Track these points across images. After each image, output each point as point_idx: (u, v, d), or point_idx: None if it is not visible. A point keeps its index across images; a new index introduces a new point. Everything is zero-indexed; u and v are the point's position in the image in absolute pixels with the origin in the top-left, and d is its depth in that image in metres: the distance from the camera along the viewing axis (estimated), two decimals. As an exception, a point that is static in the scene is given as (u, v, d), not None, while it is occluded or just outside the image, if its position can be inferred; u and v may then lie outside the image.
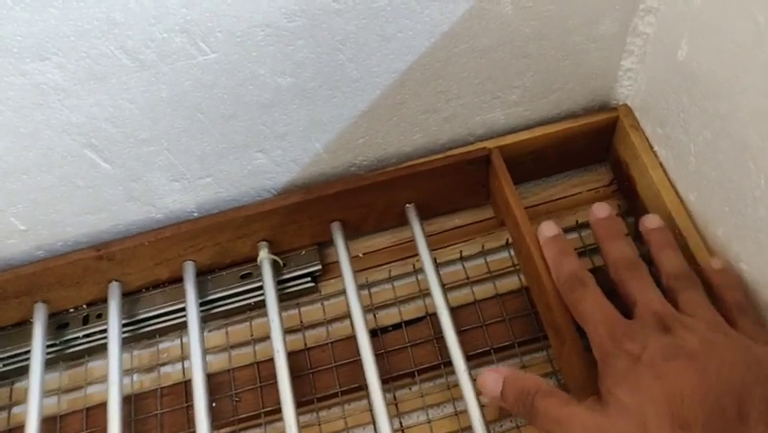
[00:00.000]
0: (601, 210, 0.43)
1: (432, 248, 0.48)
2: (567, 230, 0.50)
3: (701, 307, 0.36)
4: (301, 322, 0.49)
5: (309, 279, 0.50)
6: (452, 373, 0.45)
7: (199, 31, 0.36)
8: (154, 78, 0.38)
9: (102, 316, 0.49)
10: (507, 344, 0.46)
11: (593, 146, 0.52)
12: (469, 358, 0.45)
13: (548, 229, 0.42)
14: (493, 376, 0.37)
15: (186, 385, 0.47)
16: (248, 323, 0.50)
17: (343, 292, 0.48)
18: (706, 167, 0.41)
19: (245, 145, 0.44)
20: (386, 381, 0.45)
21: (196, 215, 0.49)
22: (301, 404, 0.45)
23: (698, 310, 0.35)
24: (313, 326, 0.49)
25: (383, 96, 0.43)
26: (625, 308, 0.38)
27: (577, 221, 0.50)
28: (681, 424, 0.30)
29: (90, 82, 0.36)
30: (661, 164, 0.46)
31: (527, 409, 0.36)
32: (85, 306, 0.51)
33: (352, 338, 0.47)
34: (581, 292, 0.38)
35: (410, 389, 0.46)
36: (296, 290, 0.50)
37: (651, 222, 0.43)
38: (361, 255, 0.52)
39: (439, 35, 0.40)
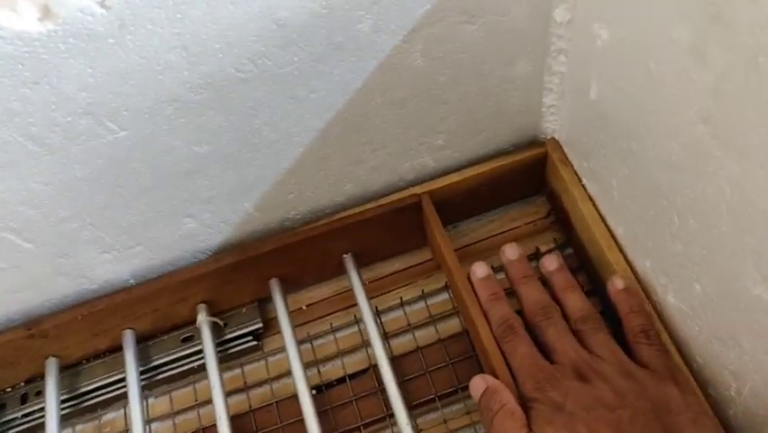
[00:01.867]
0: (511, 252, 0.45)
1: (372, 295, 0.48)
2: (502, 268, 0.50)
3: (608, 348, 0.39)
4: (245, 382, 0.48)
5: (251, 337, 0.50)
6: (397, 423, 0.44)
7: (104, 111, 0.35)
8: (65, 160, 0.37)
9: (41, 393, 0.48)
10: (451, 390, 0.46)
11: (527, 180, 0.52)
12: (413, 408, 0.45)
13: (480, 270, 0.44)
14: (479, 384, 0.40)
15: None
16: (191, 387, 0.49)
17: (285, 349, 0.48)
18: (627, 201, 0.42)
19: (172, 213, 0.44)
20: (332, 438, 0.44)
21: (132, 282, 0.49)
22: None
23: (606, 352, 0.39)
24: (258, 384, 0.49)
25: (306, 152, 0.43)
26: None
27: (514, 258, 0.50)
28: None
29: (-2, 170, 0.36)
30: (590, 197, 0.47)
31: (486, 425, 0.38)
32: (23, 384, 0.50)
33: (296, 396, 0.46)
34: (511, 342, 0.40)
35: (359, 443, 0.46)
36: (238, 350, 0.50)
37: (550, 263, 0.46)
38: (304, 308, 0.51)
39: (353, 92, 0.40)
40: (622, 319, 0.42)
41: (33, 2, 0.29)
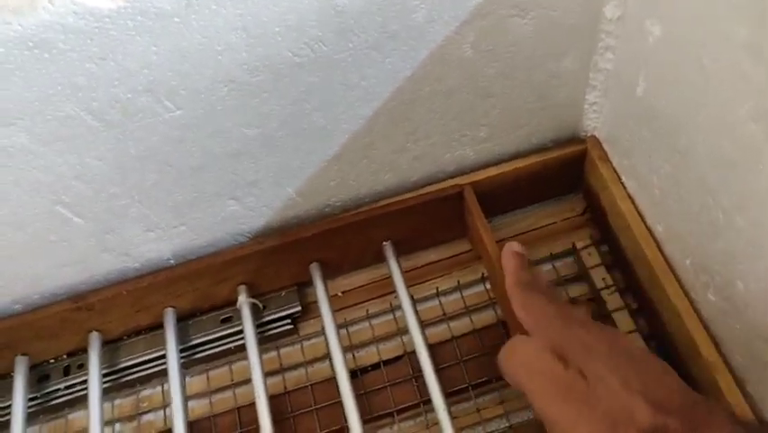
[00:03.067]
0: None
1: (409, 284, 0.49)
2: (540, 261, 0.51)
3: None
4: (281, 364, 0.49)
5: (289, 321, 0.50)
6: (431, 411, 0.45)
7: (163, 90, 0.36)
8: (121, 136, 0.38)
9: (83, 366, 0.49)
10: (484, 380, 0.46)
11: (565, 177, 0.52)
12: (448, 396, 0.45)
13: (516, 246, 0.43)
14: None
15: (167, 433, 0.48)
16: (228, 367, 0.50)
17: (322, 333, 0.49)
18: (669, 199, 0.42)
19: (217, 194, 0.45)
20: (366, 421, 0.45)
21: (172, 262, 0.50)
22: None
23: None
24: (293, 367, 0.49)
25: (352, 140, 0.44)
26: None
27: (551, 252, 0.51)
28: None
29: (57, 143, 0.37)
30: (629, 195, 0.47)
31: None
32: (65, 356, 0.51)
33: (331, 380, 0.47)
34: (530, 295, 0.39)
35: (390, 428, 0.47)
36: (276, 333, 0.50)
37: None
38: (339, 294, 0.52)
39: (402, 80, 0.41)
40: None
41: (108, -22, 0.30)
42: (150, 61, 0.34)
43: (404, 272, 0.49)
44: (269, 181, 0.45)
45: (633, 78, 0.41)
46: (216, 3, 0.33)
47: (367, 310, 0.50)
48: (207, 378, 0.50)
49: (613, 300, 0.48)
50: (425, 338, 0.45)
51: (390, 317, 0.50)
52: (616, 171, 0.48)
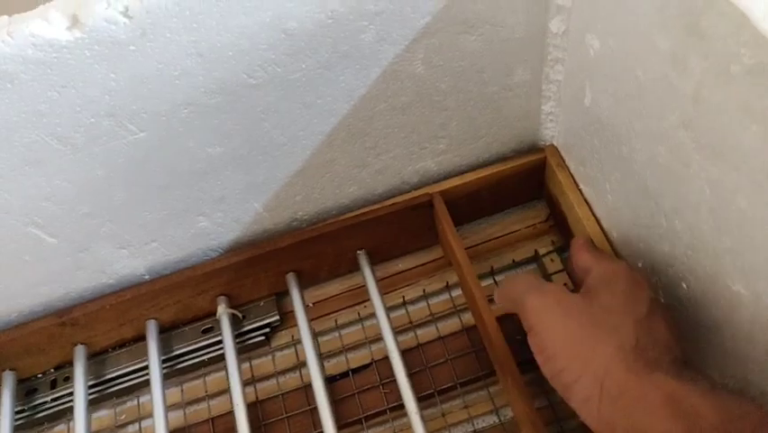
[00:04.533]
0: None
1: (382, 292, 0.50)
2: (504, 269, 0.52)
3: None
4: (252, 375, 0.51)
5: (267, 329, 0.52)
6: (399, 417, 0.46)
7: (125, 114, 0.38)
8: (88, 159, 0.40)
9: (69, 378, 0.51)
10: (449, 385, 0.47)
11: (527, 185, 0.54)
12: (418, 400, 0.46)
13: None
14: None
15: (143, 445, 0.49)
16: (203, 379, 0.51)
17: (293, 343, 0.50)
18: (621, 204, 0.43)
19: (185, 211, 0.46)
20: (337, 428, 0.46)
21: (147, 277, 0.51)
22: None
23: None
24: (265, 378, 0.51)
25: (313, 155, 0.46)
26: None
27: (513, 260, 0.52)
28: None
29: (25, 167, 0.38)
30: (586, 201, 0.49)
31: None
32: (53, 370, 0.52)
33: (301, 389, 0.48)
34: None
35: (361, 435, 0.48)
36: (251, 343, 0.52)
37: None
38: (311, 305, 0.53)
39: (358, 98, 0.43)
40: None
41: (63, 12, 0.32)
42: (110, 87, 0.36)
43: (377, 281, 0.50)
44: (235, 197, 0.47)
45: (580, 89, 0.43)
46: (170, 31, 0.34)
47: (336, 321, 0.52)
48: (182, 390, 0.51)
49: (574, 304, 0.49)
50: (398, 345, 0.47)
51: (359, 326, 0.51)
52: (573, 178, 0.50)
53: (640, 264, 0.44)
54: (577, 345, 0.34)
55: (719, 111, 0.29)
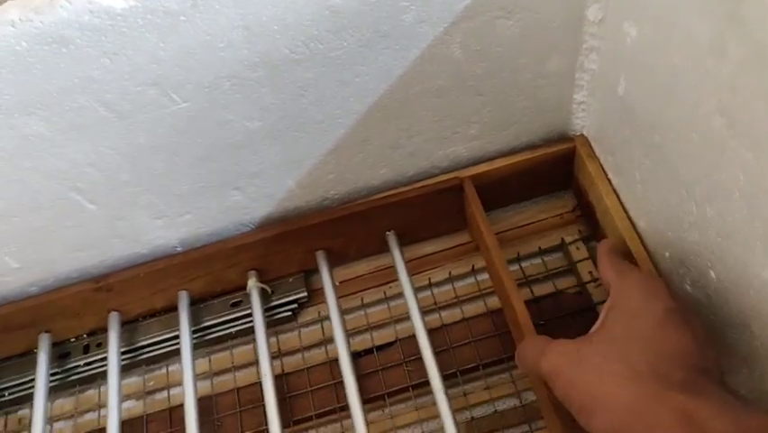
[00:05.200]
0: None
1: (410, 274, 0.51)
2: (530, 256, 0.53)
3: None
4: (279, 349, 0.52)
5: (295, 305, 0.53)
6: (420, 395, 0.47)
7: (170, 83, 0.39)
8: (132, 127, 0.41)
9: (101, 344, 0.52)
10: (472, 366, 0.48)
11: (555, 174, 0.54)
12: (443, 378, 0.47)
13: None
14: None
15: (170, 412, 0.50)
16: (229, 351, 0.52)
17: (320, 320, 0.52)
18: (650, 193, 0.44)
19: (221, 184, 0.48)
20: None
21: (179, 249, 0.52)
22: (282, 426, 0.47)
23: None
24: (291, 352, 0.52)
25: (347, 134, 0.47)
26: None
27: (539, 247, 0.53)
28: None
29: (72, 132, 0.40)
30: (614, 191, 0.49)
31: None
32: (86, 335, 0.54)
33: (326, 364, 0.49)
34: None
35: (382, 411, 0.49)
36: (280, 318, 0.53)
37: None
38: (337, 284, 0.54)
39: (394, 78, 0.43)
40: None
41: (119, -21, 0.33)
42: (158, 57, 0.37)
43: (406, 262, 0.51)
44: (270, 173, 0.48)
45: (614, 78, 0.43)
46: (220, 3, 0.35)
47: (362, 299, 0.53)
48: (210, 361, 0.52)
49: (598, 293, 0.50)
50: (425, 323, 0.47)
51: (385, 306, 0.52)
52: (602, 168, 0.50)
53: (667, 254, 0.44)
54: (592, 388, 0.34)
55: (756, 97, 0.29)
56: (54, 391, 0.53)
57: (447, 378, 0.48)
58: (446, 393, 0.45)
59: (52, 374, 0.52)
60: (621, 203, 0.48)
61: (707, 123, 0.34)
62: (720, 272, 0.38)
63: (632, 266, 0.40)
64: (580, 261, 0.51)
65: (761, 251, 0.33)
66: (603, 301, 0.49)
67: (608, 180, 0.50)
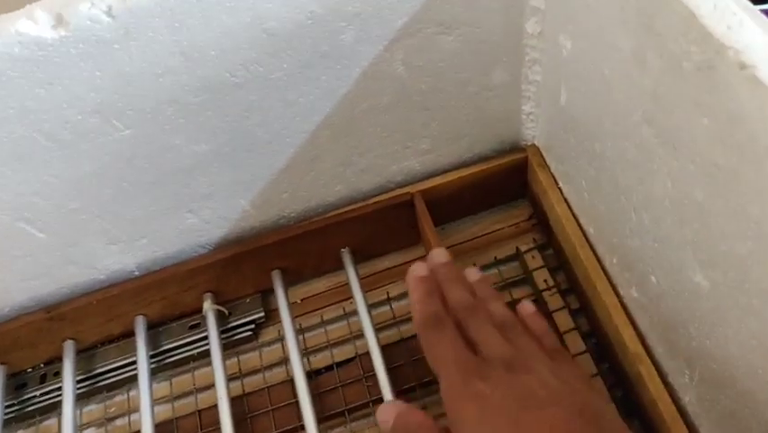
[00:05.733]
0: (440, 256, 0.44)
1: (364, 290, 0.51)
2: (486, 266, 0.53)
3: (534, 348, 0.37)
4: (240, 370, 0.52)
5: (252, 326, 0.53)
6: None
7: (111, 111, 0.39)
8: (75, 155, 0.41)
9: (59, 373, 0.52)
10: (431, 378, 0.48)
11: (510, 184, 0.55)
12: (397, 394, 0.47)
13: (419, 270, 0.42)
14: (388, 409, 0.38)
15: (132, 437, 0.50)
16: (191, 373, 0.52)
17: (280, 339, 0.52)
18: (595, 201, 0.44)
19: (173, 207, 0.48)
20: (319, 420, 0.47)
21: (137, 273, 0.52)
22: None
23: (532, 351, 0.37)
24: (252, 372, 0.52)
25: (297, 153, 0.47)
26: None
27: (495, 257, 0.53)
28: None
29: (14, 163, 0.40)
30: (565, 199, 0.50)
31: None
32: (42, 365, 0.54)
33: (286, 382, 0.50)
34: (437, 333, 0.38)
35: (344, 427, 0.49)
36: (238, 339, 0.53)
37: (470, 275, 0.43)
38: (299, 301, 0.54)
39: (339, 97, 0.44)
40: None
41: (48, 11, 0.33)
42: (95, 85, 0.37)
43: (360, 279, 0.51)
44: (222, 194, 0.48)
45: (556, 89, 0.44)
46: (153, 30, 0.36)
47: (322, 316, 0.53)
48: (171, 384, 0.52)
49: (554, 301, 0.50)
50: (378, 340, 0.48)
51: (344, 322, 0.52)
52: (553, 177, 0.51)
53: (614, 260, 0.45)
54: None
55: (675, 106, 0.30)
56: (14, 422, 0.52)
57: (406, 392, 0.48)
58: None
59: (9, 406, 0.51)
60: (571, 210, 0.49)
61: (637, 132, 0.35)
62: (659, 277, 0.38)
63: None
64: (536, 269, 0.52)
65: (691, 255, 0.33)
66: (560, 308, 0.50)
67: (559, 189, 0.50)
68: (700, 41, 0.26)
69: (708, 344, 0.35)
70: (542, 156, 0.52)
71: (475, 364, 0.35)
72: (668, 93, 0.30)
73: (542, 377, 0.34)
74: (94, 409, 0.52)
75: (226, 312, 0.53)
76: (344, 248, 0.53)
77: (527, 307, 0.41)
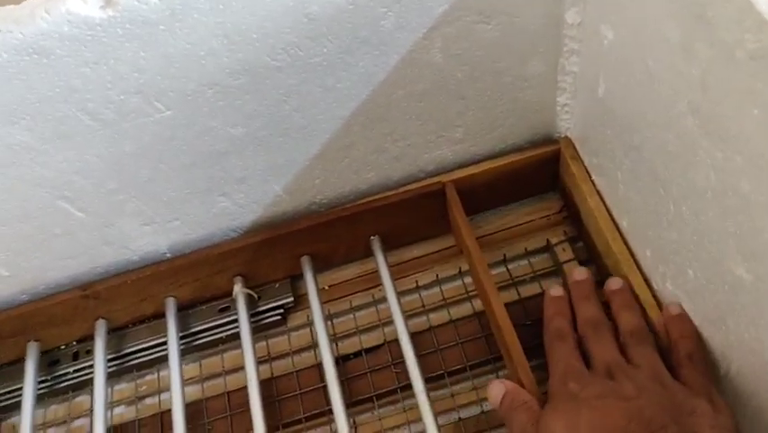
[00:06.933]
0: (579, 274, 0.48)
1: (393, 278, 0.51)
2: (516, 257, 0.53)
3: (648, 359, 0.40)
4: (269, 353, 0.52)
5: (281, 311, 0.53)
6: (409, 397, 0.47)
7: (152, 92, 0.39)
8: (116, 135, 0.41)
9: (90, 351, 0.53)
10: (459, 367, 0.48)
11: (541, 176, 0.55)
12: (425, 381, 0.48)
13: (554, 290, 0.47)
14: (498, 386, 0.42)
15: (162, 416, 0.51)
16: (220, 355, 0.53)
17: (308, 324, 0.52)
18: (631, 193, 0.44)
19: (208, 190, 0.48)
20: (347, 406, 0.47)
21: (168, 255, 0.53)
22: (271, 429, 0.47)
23: (644, 362, 0.39)
24: (280, 356, 0.52)
25: (332, 139, 0.47)
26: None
27: (525, 248, 0.53)
28: None
29: (57, 141, 0.40)
30: (597, 192, 0.49)
31: (508, 423, 0.40)
32: (75, 342, 0.54)
33: (315, 367, 0.50)
34: (558, 346, 0.43)
35: (371, 413, 0.49)
36: (267, 323, 0.53)
37: (614, 284, 0.46)
38: (326, 288, 0.55)
39: (377, 83, 0.44)
40: (671, 343, 0.41)
41: (98, -10, 0.33)
42: (139, 66, 0.38)
43: (390, 267, 0.52)
44: (256, 179, 0.48)
45: (594, 80, 0.44)
46: (198, 12, 0.36)
47: (350, 303, 0.53)
48: (200, 365, 0.53)
49: (584, 293, 0.50)
50: (407, 327, 0.48)
51: (373, 309, 0.53)
52: (586, 169, 0.50)
53: (648, 253, 0.44)
54: None
55: (724, 97, 0.30)
56: (47, 398, 0.53)
57: (435, 379, 0.49)
58: (428, 396, 0.45)
59: (43, 381, 0.52)
60: (604, 203, 0.49)
61: (680, 123, 0.34)
62: (698, 270, 0.38)
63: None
64: (566, 261, 0.52)
65: (733, 248, 0.33)
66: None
67: (592, 181, 0.50)
68: (756, 30, 0.26)
69: (747, 337, 0.35)
70: (575, 148, 0.52)
71: (578, 370, 0.39)
72: (717, 83, 0.30)
73: (638, 380, 0.37)
74: (125, 387, 0.53)
75: (256, 296, 0.54)
76: (374, 236, 0.54)
77: (673, 308, 0.42)
